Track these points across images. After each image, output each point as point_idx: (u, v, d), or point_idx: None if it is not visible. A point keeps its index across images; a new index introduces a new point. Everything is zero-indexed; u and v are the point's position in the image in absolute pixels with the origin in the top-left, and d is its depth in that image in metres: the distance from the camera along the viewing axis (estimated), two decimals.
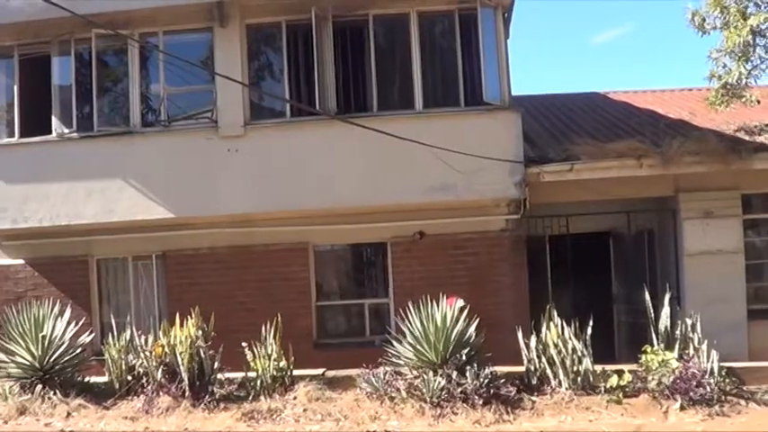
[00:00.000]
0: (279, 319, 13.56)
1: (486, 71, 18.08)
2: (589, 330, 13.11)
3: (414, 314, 13.09)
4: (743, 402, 12.44)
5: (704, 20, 18.27)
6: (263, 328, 13.50)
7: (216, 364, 13.27)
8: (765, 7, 17.50)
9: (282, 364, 13.35)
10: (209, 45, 18.75)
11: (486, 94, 18.01)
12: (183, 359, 12.99)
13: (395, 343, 13.23)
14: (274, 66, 19.35)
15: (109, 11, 17.52)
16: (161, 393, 12.96)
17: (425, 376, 12.39)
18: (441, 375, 12.34)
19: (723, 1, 17.81)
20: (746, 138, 19.81)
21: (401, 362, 13.04)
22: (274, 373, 13.26)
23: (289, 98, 18.58)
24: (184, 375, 12.95)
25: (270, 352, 13.36)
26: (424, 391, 12.24)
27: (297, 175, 17.97)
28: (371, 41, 18.70)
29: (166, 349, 13.23)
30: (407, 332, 13.09)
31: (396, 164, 17.68)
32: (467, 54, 18.70)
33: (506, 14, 19.19)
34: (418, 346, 12.80)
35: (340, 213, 18.42)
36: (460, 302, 13.98)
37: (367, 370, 12.92)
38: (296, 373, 13.44)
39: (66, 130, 18.84)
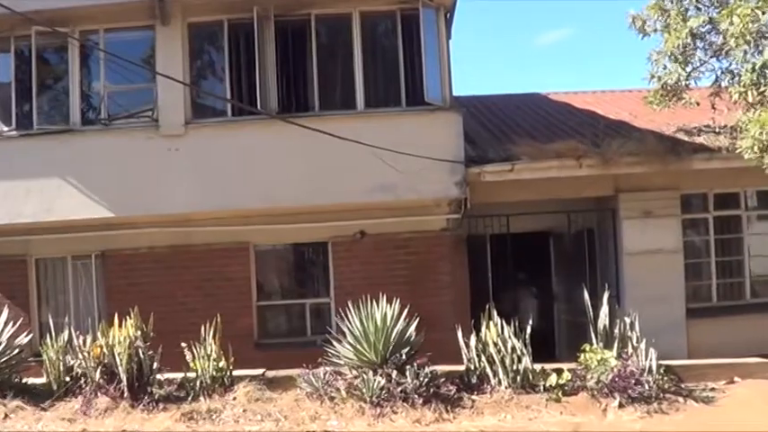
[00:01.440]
0: (219, 319, 13.51)
1: (428, 71, 18.13)
2: (528, 329, 13.18)
3: (354, 314, 13.10)
4: (681, 400, 12.57)
5: (644, 22, 18.41)
6: (203, 329, 13.45)
7: (155, 365, 13.20)
8: (705, 10, 17.66)
9: (222, 364, 13.31)
10: (150, 43, 18.60)
11: (427, 94, 18.05)
12: (121, 360, 12.90)
13: (335, 343, 13.23)
14: (216, 65, 19.27)
15: (49, 8, 17.28)
16: (99, 394, 12.87)
17: (365, 376, 12.41)
18: (381, 375, 12.36)
19: (663, 4, 17.95)
20: (686, 138, 20.01)
21: (341, 362, 13.05)
22: (214, 373, 13.21)
23: (230, 97, 18.51)
24: (123, 376, 12.86)
25: (209, 352, 13.30)
26: (364, 390, 12.26)
27: (238, 175, 17.90)
28: (313, 41, 18.66)
29: (105, 350, 13.13)
30: (347, 332, 13.10)
31: (337, 164, 17.65)
32: (408, 54, 18.69)
33: (448, 15, 19.26)
34: (358, 346, 12.82)
35: (281, 213, 18.38)
36: None
37: (307, 370, 12.91)
38: (236, 373, 13.39)
39: (6, 128, 18.63)
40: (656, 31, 18.31)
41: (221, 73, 18.98)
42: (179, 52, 18.33)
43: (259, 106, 17.79)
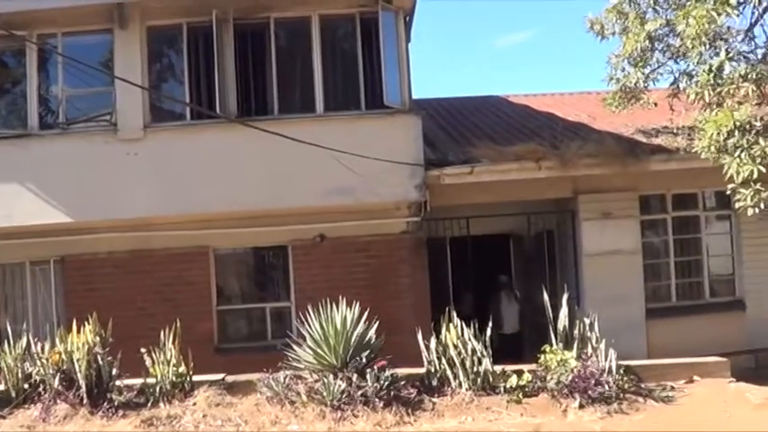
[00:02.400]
0: (178, 324, 13.44)
1: (387, 74, 18.15)
2: (488, 331, 13.20)
3: (314, 317, 13.07)
4: (641, 400, 12.61)
5: (603, 26, 18.51)
6: (163, 334, 13.38)
7: (114, 371, 13.09)
8: (663, 12, 17.77)
9: (182, 369, 13.21)
10: (109, 47, 18.50)
11: (386, 97, 18.08)
12: (80, 366, 12.80)
13: (295, 347, 13.19)
14: (175, 68, 19.22)
15: (7, 11, 17.22)
16: (58, 401, 12.76)
17: (326, 380, 12.37)
18: (341, 378, 12.33)
19: (622, 8, 18.05)
20: (644, 140, 20.15)
21: (302, 366, 13.00)
22: (174, 378, 13.11)
23: (189, 101, 18.47)
24: (82, 382, 12.76)
25: (169, 357, 13.20)
26: (325, 394, 12.22)
27: (197, 179, 17.86)
28: (273, 44, 18.68)
29: (63, 356, 13.02)
30: (308, 336, 13.06)
31: (296, 167, 17.63)
32: (368, 57, 18.74)
33: (407, 18, 19.29)
34: (318, 350, 12.78)
35: (241, 216, 18.34)
36: None
37: (267, 374, 12.86)
38: (196, 378, 13.31)
39: None
40: (614, 34, 18.45)
41: (180, 76, 18.96)
42: (138, 56, 18.25)
43: (218, 110, 17.77)
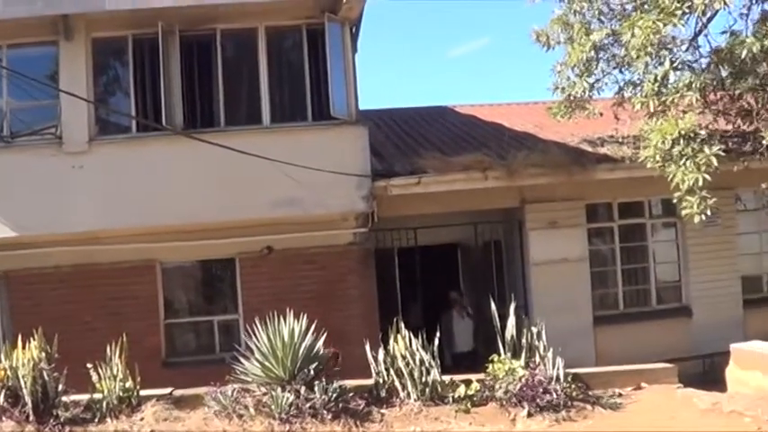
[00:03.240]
0: (125, 338, 13.33)
1: (334, 86, 18.16)
2: (436, 341, 13.20)
3: (261, 330, 13.01)
4: (589, 407, 12.63)
5: (548, 37, 18.62)
6: (109, 348, 13.27)
7: (61, 387, 12.93)
8: (608, 23, 17.91)
9: (129, 384, 13.07)
10: (54, 59, 18.31)
11: (333, 108, 18.08)
12: (25, 382, 12.63)
13: (243, 360, 13.13)
14: (121, 80, 19.09)
15: None
16: (4, 418, 12.59)
17: (274, 392, 12.30)
18: (289, 391, 12.26)
19: (567, 18, 18.17)
20: (590, 149, 20.31)
21: (249, 379, 12.94)
22: (121, 394, 12.97)
23: (135, 113, 18.36)
24: (28, 399, 12.59)
25: (116, 372, 13.07)
26: (273, 407, 12.15)
27: (143, 192, 17.72)
28: (219, 56, 18.62)
29: (9, 373, 12.88)
30: (255, 349, 13.00)
31: (243, 179, 17.60)
32: (314, 69, 18.74)
33: (354, 29, 19.31)
34: (266, 363, 12.71)
35: (188, 229, 18.21)
36: None
37: (215, 388, 12.78)
38: (143, 393, 13.17)
39: None
40: (559, 43, 18.55)
41: (126, 88, 18.82)
42: (83, 68, 18.09)
43: (164, 122, 17.65)
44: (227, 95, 18.64)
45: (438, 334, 13.36)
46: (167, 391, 13.28)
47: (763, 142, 16.20)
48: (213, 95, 18.74)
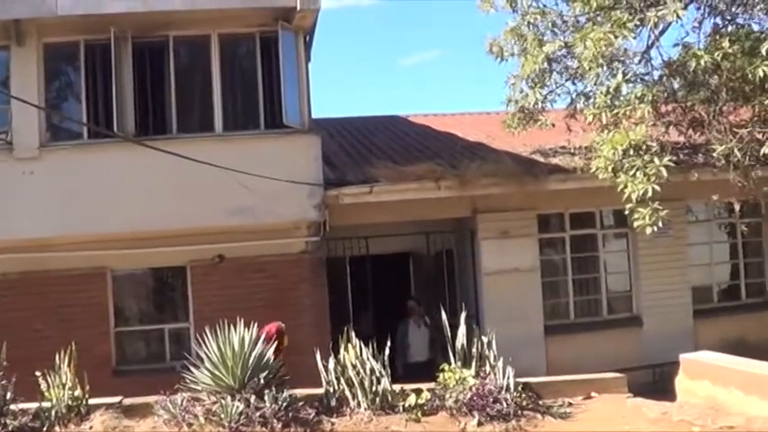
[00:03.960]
0: (74, 346, 13.22)
1: (286, 94, 18.15)
2: (387, 351, 13.19)
3: (212, 338, 12.96)
4: (539, 416, 12.63)
5: (502, 48, 18.70)
6: (58, 356, 13.16)
7: (8, 395, 12.84)
8: (561, 35, 18.00)
9: (78, 393, 12.95)
10: (5, 64, 18.17)
11: (285, 116, 18.07)
12: None
13: (193, 368, 13.06)
14: (73, 86, 18.95)
15: None
16: None
17: (224, 401, 12.23)
18: (239, 400, 12.19)
19: (520, 30, 18.25)
20: (542, 160, 20.40)
21: (199, 387, 12.88)
22: (69, 402, 12.85)
23: (87, 119, 18.24)
24: None
25: (65, 381, 12.96)
26: (223, 416, 12.07)
27: (94, 198, 17.60)
28: (172, 63, 18.55)
29: None
30: (205, 357, 12.94)
31: (195, 187, 17.52)
32: (267, 77, 18.71)
33: (307, 38, 19.30)
34: (216, 371, 12.64)
35: (139, 237, 18.09)
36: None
37: (165, 397, 12.71)
38: (92, 401, 13.06)
39: None
40: (513, 55, 18.64)
41: (78, 94, 18.69)
42: (34, 73, 17.95)
43: (116, 128, 17.55)
44: (180, 102, 18.56)
45: (389, 343, 13.36)
46: (117, 399, 13.16)
47: (714, 154, 16.31)
48: (165, 102, 18.64)
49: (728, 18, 16.96)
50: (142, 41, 18.41)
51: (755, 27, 16.78)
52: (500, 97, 19.05)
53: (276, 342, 15.31)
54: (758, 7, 16.75)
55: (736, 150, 15.78)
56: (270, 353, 12.90)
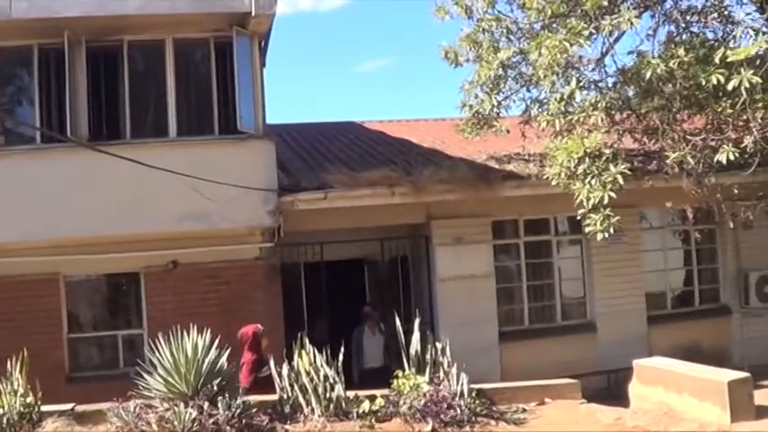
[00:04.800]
0: (26, 352, 13.13)
1: (241, 99, 18.07)
2: (341, 357, 13.19)
3: (165, 345, 12.89)
4: (493, 422, 12.70)
5: (457, 54, 18.74)
6: (10, 363, 13.06)
7: None
8: (516, 41, 18.05)
9: (30, 399, 12.90)
10: None
11: (240, 122, 17.99)
12: None
13: (146, 375, 12.99)
14: (26, 90, 18.74)
15: None
16: None
17: (176, 408, 12.19)
18: (192, 407, 12.16)
19: (476, 36, 18.29)
20: (496, 166, 20.44)
21: (152, 394, 12.81)
22: (21, 409, 12.77)
23: (40, 123, 18.09)
24: None
25: (17, 387, 12.90)
26: (176, 423, 12.03)
27: (47, 204, 17.41)
28: (126, 67, 18.41)
29: None
30: (158, 364, 12.88)
31: (149, 192, 17.41)
32: (222, 82, 18.64)
33: (262, 43, 19.25)
34: (169, 378, 12.59)
35: (92, 243, 17.95)
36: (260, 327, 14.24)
37: (117, 404, 12.64)
38: (45, 408, 12.99)
39: None
40: (468, 61, 18.67)
41: (31, 98, 18.51)
42: None
43: (69, 133, 17.40)
44: (134, 107, 18.44)
45: (343, 349, 13.35)
46: (69, 406, 13.11)
47: (668, 161, 16.41)
48: (119, 107, 18.52)
49: (683, 26, 17.06)
50: (96, 46, 18.29)
51: (709, 35, 16.93)
52: (455, 103, 19.02)
53: (253, 343, 15.37)
54: (712, 16, 16.85)
55: (689, 158, 15.88)
56: (223, 359, 12.87)
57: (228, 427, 12.02)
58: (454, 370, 13.11)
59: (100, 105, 18.53)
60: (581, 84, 16.14)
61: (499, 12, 18.07)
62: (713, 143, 15.98)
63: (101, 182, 17.46)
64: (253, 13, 17.74)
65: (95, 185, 17.51)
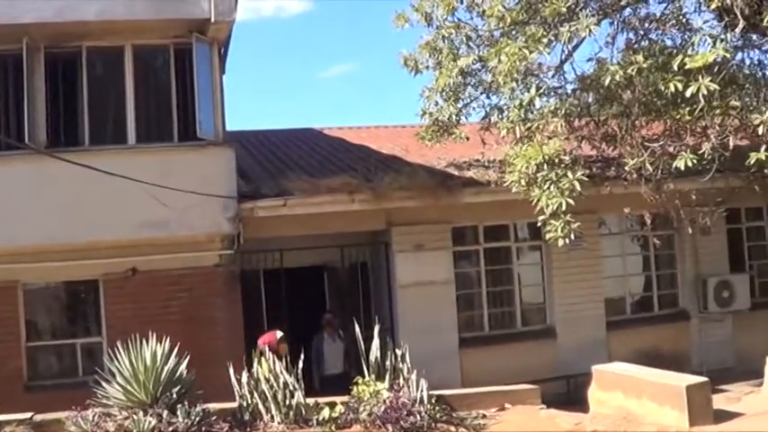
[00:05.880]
0: None
1: (201, 106, 17.99)
2: (301, 364, 13.18)
3: (124, 353, 12.84)
4: (453, 429, 12.74)
5: (417, 62, 18.77)
6: None
7: None
8: (476, 48, 18.09)
9: None
10: None
11: (199, 129, 17.92)
12: None
13: (105, 383, 12.93)
14: None
15: None
16: None
17: (135, 416, 12.15)
18: (151, 415, 12.12)
19: (435, 44, 18.32)
20: (456, 173, 20.49)
21: (111, 403, 12.75)
22: None
23: None
24: None
25: None
26: (135, 431, 12.02)
27: (5, 211, 17.26)
28: (85, 74, 18.31)
29: None
30: (117, 372, 12.82)
31: (108, 199, 17.28)
32: (181, 89, 18.58)
33: (222, 50, 19.21)
34: (128, 386, 12.55)
35: (51, 250, 17.79)
36: (279, 333, 14.12)
37: (76, 412, 12.57)
38: (3, 417, 12.89)
39: None
40: (428, 68, 18.70)
41: None
42: None
43: (27, 140, 17.25)
44: (93, 114, 18.34)
45: (303, 356, 13.35)
46: (27, 415, 13.04)
47: (626, 168, 16.50)
48: (78, 113, 18.42)
49: (642, 33, 17.16)
50: (55, 52, 18.17)
51: (668, 42, 17.04)
52: (415, 110, 19.06)
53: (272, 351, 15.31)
54: (670, 23, 16.96)
55: (647, 164, 15.96)
56: (182, 367, 12.83)
57: None
58: (414, 376, 13.14)
59: (58, 112, 18.42)
60: (540, 91, 16.18)
61: (459, 19, 18.07)
62: (671, 149, 16.06)
63: (59, 189, 17.35)
64: (212, 20, 17.69)
65: (54, 192, 17.39)
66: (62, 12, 17.30)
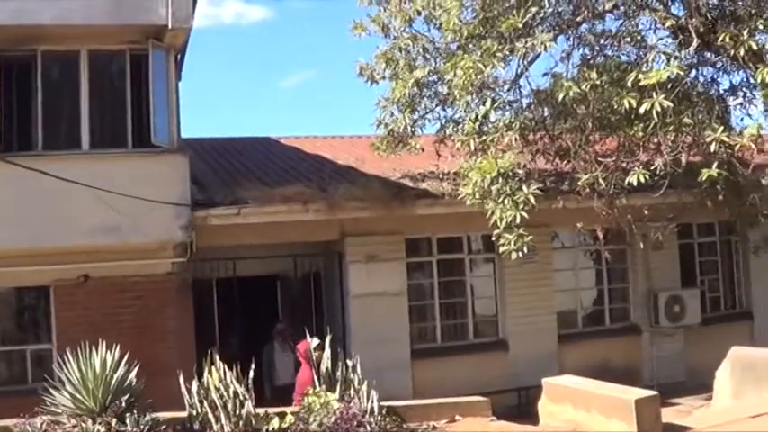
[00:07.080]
0: None
1: (155, 113, 17.93)
2: (251, 374, 13.13)
3: (73, 360, 12.74)
4: None
5: (373, 71, 18.80)
6: None
7: None
8: (432, 60, 18.15)
9: None
10: None
11: (154, 136, 17.84)
12: None
13: (54, 391, 12.83)
14: None
15: None
16: None
17: (84, 425, 12.05)
18: (100, 423, 12.03)
19: (392, 54, 18.36)
20: (410, 184, 20.51)
21: (60, 410, 12.65)
22: None
23: None
24: None
25: None
26: None
27: None
28: (39, 78, 18.14)
29: None
30: (66, 380, 12.73)
31: (60, 205, 17.15)
32: (137, 95, 18.44)
33: (179, 56, 19.14)
34: (77, 394, 12.43)
35: (1, 255, 17.66)
36: (315, 341, 14.00)
37: (24, 420, 12.46)
38: None
39: None
40: (384, 78, 18.73)
41: None
42: None
43: None
44: (47, 118, 18.16)
45: (254, 366, 13.30)
46: None
47: (580, 182, 16.59)
48: (32, 118, 18.25)
49: (597, 49, 17.29)
50: (9, 55, 18.01)
51: (623, 59, 17.17)
52: (371, 120, 19.07)
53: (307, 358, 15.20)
54: (626, 40, 17.10)
55: (600, 179, 16.08)
56: (132, 375, 12.75)
57: None
58: (365, 387, 13.11)
59: (11, 116, 18.24)
60: (496, 104, 16.26)
61: (416, 30, 18.16)
62: (624, 165, 16.18)
63: (11, 194, 17.18)
64: (169, 26, 17.63)
65: (5, 197, 17.23)
66: (17, 15, 17.15)
